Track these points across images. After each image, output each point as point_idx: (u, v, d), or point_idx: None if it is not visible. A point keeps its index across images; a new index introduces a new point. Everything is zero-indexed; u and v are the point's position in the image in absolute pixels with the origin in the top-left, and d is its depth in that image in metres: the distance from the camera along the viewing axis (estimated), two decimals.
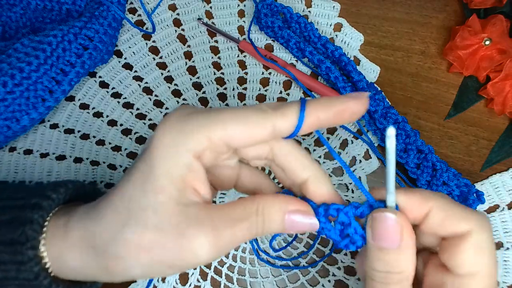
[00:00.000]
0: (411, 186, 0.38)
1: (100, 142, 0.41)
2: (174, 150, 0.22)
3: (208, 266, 0.37)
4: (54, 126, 0.41)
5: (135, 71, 0.44)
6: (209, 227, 0.21)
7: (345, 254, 0.37)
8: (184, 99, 0.42)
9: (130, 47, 0.44)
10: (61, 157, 0.40)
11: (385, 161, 0.19)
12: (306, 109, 0.22)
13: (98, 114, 0.42)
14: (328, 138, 0.41)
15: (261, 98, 0.42)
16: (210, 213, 0.22)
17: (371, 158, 0.40)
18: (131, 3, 0.46)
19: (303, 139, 0.40)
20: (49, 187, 0.25)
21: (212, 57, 0.44)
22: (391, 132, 0.19)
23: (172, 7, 0.46)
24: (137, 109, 0.42)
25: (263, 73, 0.43)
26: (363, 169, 0.39)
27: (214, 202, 0.38)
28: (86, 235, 0.22)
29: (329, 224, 0.23)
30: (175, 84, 0.43)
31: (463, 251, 0.21)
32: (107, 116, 0.42)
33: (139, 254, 0.21)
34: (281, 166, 0.25)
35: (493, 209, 0.38)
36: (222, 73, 0.43)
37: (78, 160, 0.40)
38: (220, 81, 0.43)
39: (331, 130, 0.41)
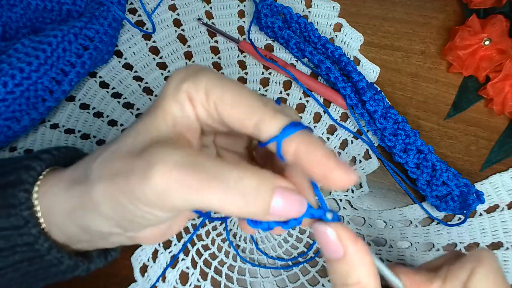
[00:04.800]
0: (411, 186, 0.39)
1: (101, 142, 0.41)
2: (175, 90, 0.20)
3: (208, 266, 0.37)
4: (54, 126, 0.41)
5: (135, 71, 0.44)
6: (176, 157, 0.18)
7: None
8: None
9: (130, 47, 0.44)
10: None
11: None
12: (292, 135, 0.19)
13: (98, 114, 0.42)
14: (328, 138, 0.41)
15: None
16: (191, 154, 0.18)
17: (371, 158, 0.40)
18: (131, 3, 0.46)
19: None
20: (48, 148, 0.25)
21: (212, 57, 0.44)
22: None
23: (172, 7, 0.46)
24: (138, 109, 0.42)
25: (263, 73, 0.43)
26: (363, 169, 0.39)
27: None
28: (73, 173, 0.21)
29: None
30: None
31: None
32: (108, 116, 0.42)
33: (106, 183, 0.19)
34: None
35: (492, 209, 0.38)
36: (222, 73, 0.43)
37: None
38: None
39: (331, 130, 0.41)
